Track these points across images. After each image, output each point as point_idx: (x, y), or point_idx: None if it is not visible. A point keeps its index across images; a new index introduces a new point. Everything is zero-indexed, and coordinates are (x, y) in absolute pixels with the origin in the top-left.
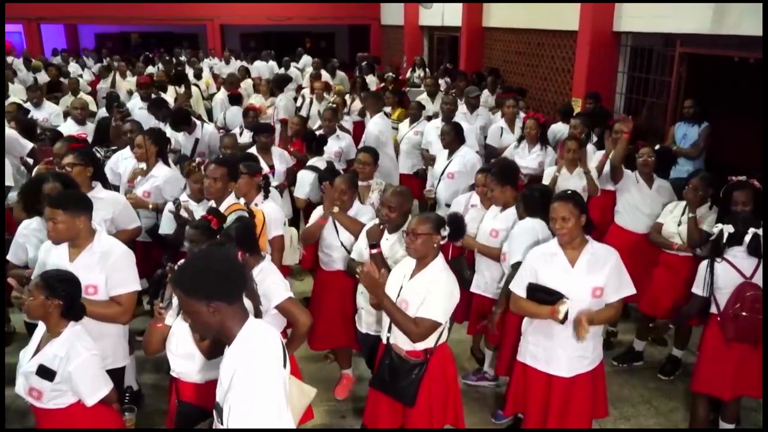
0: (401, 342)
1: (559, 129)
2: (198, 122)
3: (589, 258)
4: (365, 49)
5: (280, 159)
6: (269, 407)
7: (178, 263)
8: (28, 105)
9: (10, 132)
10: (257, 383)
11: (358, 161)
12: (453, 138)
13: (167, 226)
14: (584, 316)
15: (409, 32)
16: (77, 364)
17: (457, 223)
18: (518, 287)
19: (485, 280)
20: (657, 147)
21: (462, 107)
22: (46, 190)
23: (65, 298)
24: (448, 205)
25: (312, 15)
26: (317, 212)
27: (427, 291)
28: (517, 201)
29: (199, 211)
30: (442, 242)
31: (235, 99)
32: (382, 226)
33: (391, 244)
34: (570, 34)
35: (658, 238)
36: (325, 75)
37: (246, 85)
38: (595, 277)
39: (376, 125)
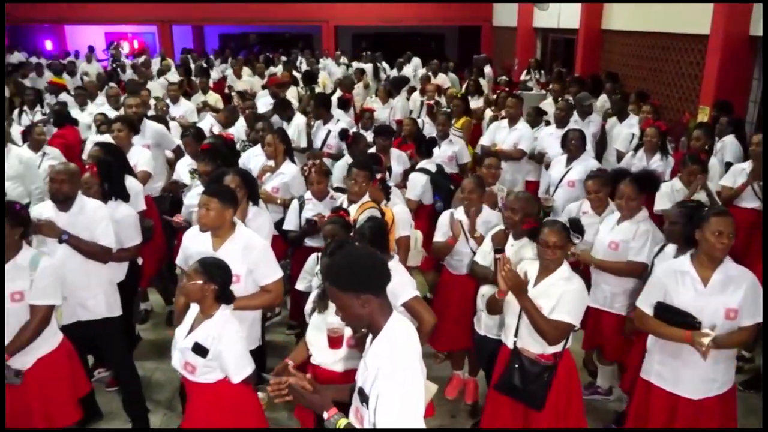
0: (531, 345)
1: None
2: (335, 117)
3: (723, 278)
4: (475, 51)
5: (398, 161)
6: (414, 401)
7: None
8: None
9: (160, 127)
10: (405, 377)
11: (487, 165)
12: (578, 145)
13: (291, 222)
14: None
15: (522, 34)
16: (227, 344)
17: (578, 225)
18: (645, 304)
19: (604, 294)
20: None
21: (574, 114)
22: (227, 182)
23: (220, 283)
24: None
25: (423, 16)
26: (444, 221)
27: (560, 295)
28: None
29: (320, 208)
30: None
31: (342, 103)
32: (507, 231)
33: (515, 249)
34: (700, 37)
35: None
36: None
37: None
38: (729, 298)
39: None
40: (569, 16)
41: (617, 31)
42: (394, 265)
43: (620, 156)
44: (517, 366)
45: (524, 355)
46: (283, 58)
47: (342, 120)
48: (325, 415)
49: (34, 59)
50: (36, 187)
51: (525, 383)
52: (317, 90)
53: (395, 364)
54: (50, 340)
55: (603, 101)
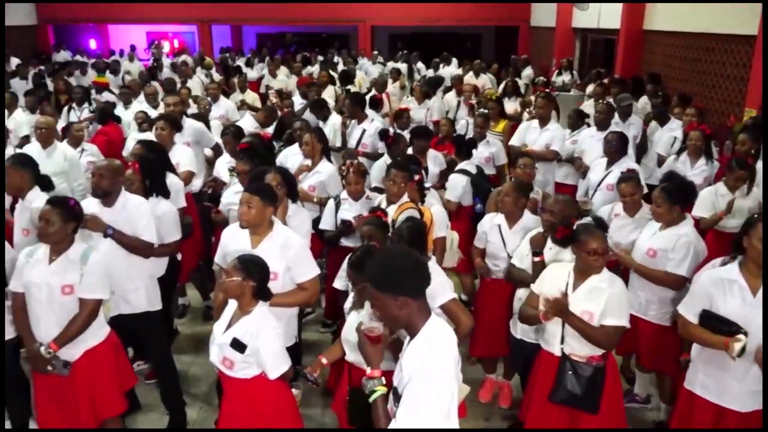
0: (578, 349)
1: None
2: (369, 117)
3: None
4: (512, 52)
5: (434, 161)
6: (441, 405)
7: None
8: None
9: (199, 125)
10: (436, 380)
11: (521, 165)
12: (618, 148)
13: (327, 222)
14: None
15: (561, 34)
16: (265, 340)
17: (600, 222)
18: (689, 312)
19: (639, 301)
20: None
21: (615, 116)
22: (267, 180)
23: (258, 280)
24: None
25: (460, 16)
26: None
27: (606, 298)
28: None
29: (356, 208)
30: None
31: (374, 103)
32: (545, 234)
33: (554, 253)
34: (747, 38)
35: None
36: (471, 77)
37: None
38: None
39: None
40: (610, 16)
41: (660, 31)
42: (432, 266)
43: (661, 160)
44: (570, 372)
45: (574, 359)
46: (320, 58)
47: (376, 120)
48: (368, 371)
49: (78, 58)
50: (79, 184)
51: (581, 387)
52: (353, 90)
53: (429, 366)
54: (97, 332)
55: (644, 103)
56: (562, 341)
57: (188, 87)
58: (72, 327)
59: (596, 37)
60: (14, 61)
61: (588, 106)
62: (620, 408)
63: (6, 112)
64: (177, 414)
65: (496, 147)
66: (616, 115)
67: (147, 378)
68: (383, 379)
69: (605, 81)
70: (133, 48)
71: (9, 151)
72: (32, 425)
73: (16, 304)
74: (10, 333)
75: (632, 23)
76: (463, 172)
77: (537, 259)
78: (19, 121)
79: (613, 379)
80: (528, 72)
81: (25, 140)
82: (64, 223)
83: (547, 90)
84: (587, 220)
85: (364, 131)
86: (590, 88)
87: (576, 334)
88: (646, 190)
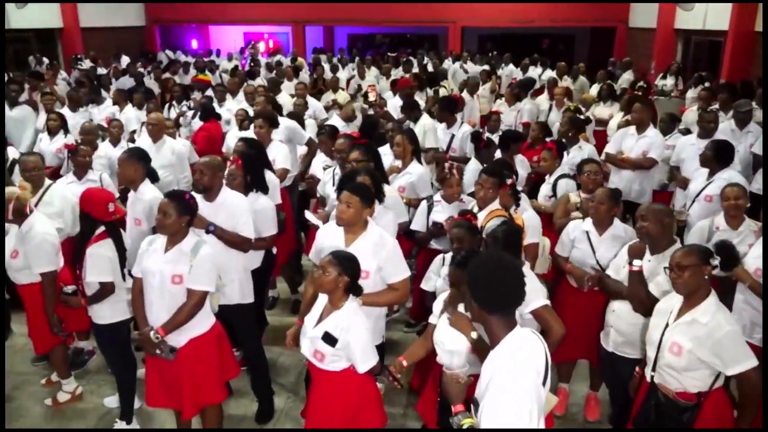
0: (669, 382)
1: None
2: (459, 120)
3: None
4: (608, 54)
5: (522, 165)
6: (520, 416)
7: None
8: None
9: (291, 123)
10: (513, 392)
11: (587, 171)
12: (714, 157)
13: (418, 223)
14: None
15: (662, 36)
16: (355, 335)
17: (727, 251)
18: None
19: (744, 323)
20: None
21: (729, 122)
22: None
23: (351, 276)
24: None
25: (554, 17)
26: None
27: (709, 336)
28: None
29: (448, 211)
30: (713, 272)
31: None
32: (644, 244)
33: (652, 266)
34: None
35: None
36: (566, 80)
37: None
38: None
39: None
40: (717, 17)
41: None
42: (526, 270)
43: None
44: (654, 403)
45: (661, 391)
46: (403, 59)
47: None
48: (453, 408)
49: (181, 57)
50: (183, 176)
51: (661, 421)
52: (441, 92)
53: (507, 376)
54: (203, 322)
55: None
56: (654, 368)
57: (280, 88)
58: (179, 315)
59: (700, 38)
60: (125, 60)
61: (691, 112)
62: None
63: (117, 107)
64: (265, 402)
65: (587, 151)
66: (731, 122)
67: (239, 365)
68: (467, 412)
69: (710, 85)
70: (241, 50)
71: (122, 144)
72: (137, 403)
73: (135, 288)
74: (126, 313)
75: (742, 24)
76: (567, 176)
77: (635, 268)
78: (129, 116)
79: (716, 422)
80: (628, 75)
81: (133, 134)
82: (179, 215)
83: (639, 94)
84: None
85: (453, 136)
86: (691, 93)
87: (670, 365)
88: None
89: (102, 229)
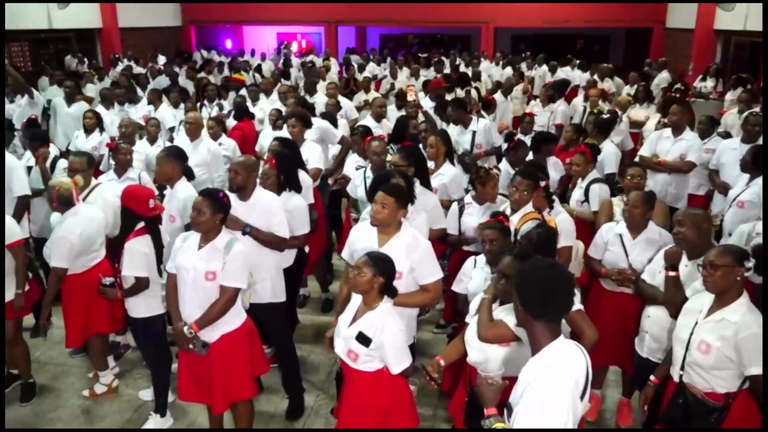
0: (698, 382)
1: None
2: (474, 116)
3: None
4: (644, 55)
5: (555, 168)
6: (554, 422)
7: None
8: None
9: (323, 123)
10: (548, 403)
11: (630, 175)
12: (753, 162)
13: (451, 226)
14: None
15: (700, 36)
16: (389, 335)
17: (762, 254)
18: None
19: None
20: None
21: None
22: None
23: (387, 277)
24: (730, 234)
25: (589, 17)
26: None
27: (735, 334)
28: None
29: (480, 213)
30: (746, 274)
31: (486, 105)
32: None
33: (689, 271)
34: None
35: None
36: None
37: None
38: None
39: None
40: (758, 17)
41: None
42: None
43: None
44: (681, 402)
45: (690, 391)
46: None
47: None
48: (485, 411)
49: (215, 56)
50: (218, 175)
51: (689, 421)
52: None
53: (545, 385)
54: (234, 319)
55: None
56: (683, 367)
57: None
58: (212, 311)
59: (741, 39)
60: (161, 59)
61: (731, 115)
62: None
63: (152, 106)
64: (296, 399)
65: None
66: None
67: (269, 362)
68: (500, 416)
69: (751, 87)
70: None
71: (159, 143)
72: (171, 397)
73: (169, 284)
74: (161, 308)
75: None
76: (601, 180)
77: (672, 274)
78: (164, 115)
79: (744, 424)
80: (665, 76)
81: (171, 132)
82: (213, 213)
83: (676, 95)
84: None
85: (473, 133)
86: (730, 95)
87: (698, 363)
88: None
89: (141, 224)
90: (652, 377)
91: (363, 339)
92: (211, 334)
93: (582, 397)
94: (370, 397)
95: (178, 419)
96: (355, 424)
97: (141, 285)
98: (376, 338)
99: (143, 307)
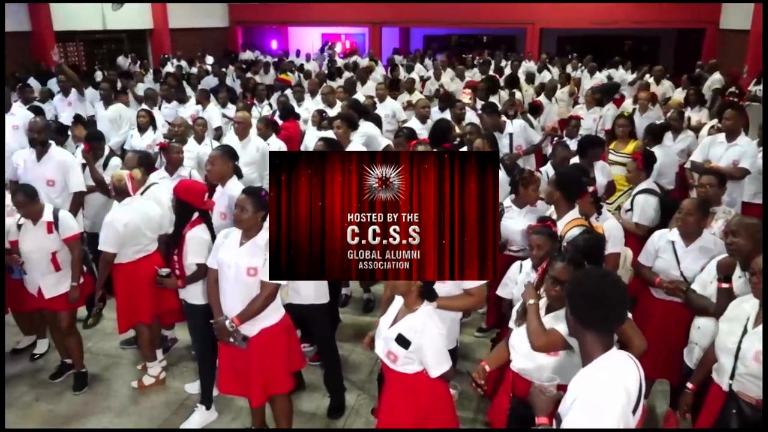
0: (749, 389)
1: None
2: (506, 119)
3: None
4: (695, 57)
5: (602, 172)
6: None
7: None
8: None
9: (371, 129)
10: (597, 417)
11: (702, 183)
12: None
13: None
14: None
15: (756, 38)
16: (429, 338)
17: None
18: None
19: None
20: None
21: None
22: None
23: (426, 281)
24: None
25: (638, 18)
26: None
27: None
28: None
29: (520, 217)
30: None
31: (534, 109)
32: (734, 259)
33: (742, 282)
34: None
35: None
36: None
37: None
38: None
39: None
40: None
41: None
42: None
43: None
44: (734, 411)
45: (742, 399)
46: (480, 60)
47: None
48: (536, 419)
49: (261, 57)
50: (267, 174)
51: (744, 430)
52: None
53: (595, 398)
54: (274, 314)
55: None
56: (732, 376)
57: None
58: (253, 306)
59: None
60: (209, 59)
61: None
62: None
63: (200, 106)
64: (337, 397)
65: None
66: None
67: (312, 360)
68: (550, 426)
69: None
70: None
71: (206, 141)
72: (215, 391)
73: (210, 279)
74: (202, 300)
75: None
76: (651, 192)
77: (725, 285)
78: (211, 114)
79: None
80: (717, 77)
81: (218, 131)
82: (255, 211)
83: (731, 99)
84: None
85: (510, 135)
86: None
87: (754, 374)
88: None
89: (196, 215)
90: (689, 384)
91: (402, 341)
92: (251, 329)
93: (635, 411)
94: (407, 400)
95: (222, 413)
96: (393, 425)
97: (201, 272)
98: (416, 341)
99: (201, 294)
